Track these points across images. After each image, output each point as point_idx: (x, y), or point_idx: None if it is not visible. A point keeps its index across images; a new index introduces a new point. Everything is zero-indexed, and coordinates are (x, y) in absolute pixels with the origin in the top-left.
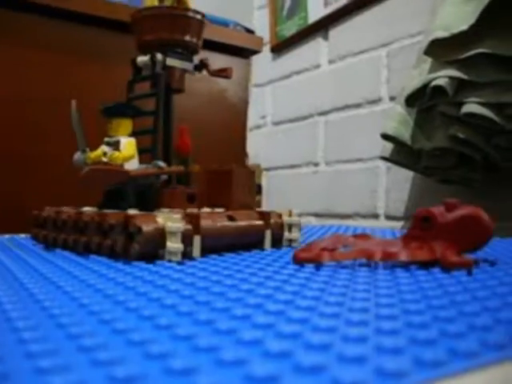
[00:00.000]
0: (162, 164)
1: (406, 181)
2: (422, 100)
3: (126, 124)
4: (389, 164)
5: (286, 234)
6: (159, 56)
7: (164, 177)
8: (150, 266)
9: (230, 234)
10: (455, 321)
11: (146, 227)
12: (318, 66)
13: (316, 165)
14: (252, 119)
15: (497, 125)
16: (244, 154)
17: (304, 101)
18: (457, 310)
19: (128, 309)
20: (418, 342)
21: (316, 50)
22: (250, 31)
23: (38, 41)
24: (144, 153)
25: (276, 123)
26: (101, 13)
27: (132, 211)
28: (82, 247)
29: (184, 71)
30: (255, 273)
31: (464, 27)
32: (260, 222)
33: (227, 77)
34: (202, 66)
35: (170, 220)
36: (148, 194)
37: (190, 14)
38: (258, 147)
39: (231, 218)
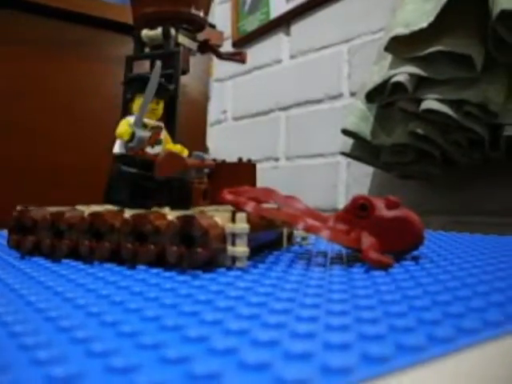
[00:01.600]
0: (204, 156)
1: (367, 176)
2: (382, 96)
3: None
4: (349, 159)
5: (296, 233)
6: (173, 31)
7: (206, 171)
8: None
9: (266, 233)
10: (406, 315)
11: (213, 230)
12: (279, 61)
13: (277, 160)
14: (213, 114)
15: (455, 121)
16: (205, 149)
17: (265, 96)
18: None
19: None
20: (367, 337)
21: (278, 45)
22: (211, 26)
23: (28, 38)
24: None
25: (237, 118)
26: (94, 12)
27: (165, 210)
28: (106, 255)
29: (189, 51)
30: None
31: (423, 25)
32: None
33: (242, 61)
34: (207, 47)
35: (232, 220)
36: (181, 191)
37: None
38: (219, 142)
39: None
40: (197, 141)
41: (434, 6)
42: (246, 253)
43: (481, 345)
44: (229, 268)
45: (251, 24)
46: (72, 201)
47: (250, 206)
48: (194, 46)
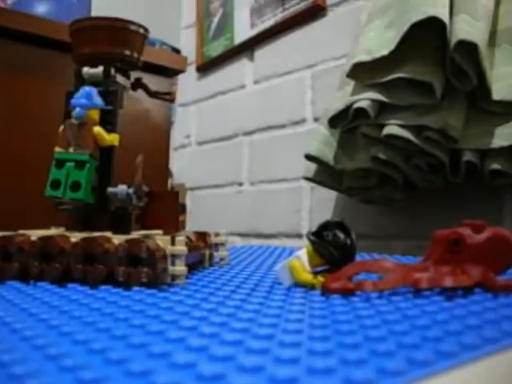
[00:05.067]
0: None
1: (330, 201)
2: (344, 121)
3: None
4: (312, 184)
5: (216, 254)
6: (113, 71)
7: (145, 199)
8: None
9: (190, 254)
10: (385, 340)
11: (158, 252)
12: (243, 87)
13: (240, 184)
14: (177, 138)
15: (416, 146)
16: (167, 174)
17: (229, 121)
18: (388, 329)
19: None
20: (349, 362)
21: (241, 70)
22: (176, 50)
23: None
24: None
25: (200, 143)
26: (40, 31)
27: (108, 234)
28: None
29: (123, 88)
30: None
31: (385, 52)
32: (201, 243)
33: (172, 100)
34: (139, 85)
35: (172, 243)
36: (122, 217)
37: (133, 27)
38: (183, 166)
39: (190, 240)
40: (159, 165)
41: (395, 34)
42: (185, 271)
43: (458, 367)
44: (169, 285)
45: (215, 49)
46: (20, 225)
47: (368, 286)
48: (127, 83)
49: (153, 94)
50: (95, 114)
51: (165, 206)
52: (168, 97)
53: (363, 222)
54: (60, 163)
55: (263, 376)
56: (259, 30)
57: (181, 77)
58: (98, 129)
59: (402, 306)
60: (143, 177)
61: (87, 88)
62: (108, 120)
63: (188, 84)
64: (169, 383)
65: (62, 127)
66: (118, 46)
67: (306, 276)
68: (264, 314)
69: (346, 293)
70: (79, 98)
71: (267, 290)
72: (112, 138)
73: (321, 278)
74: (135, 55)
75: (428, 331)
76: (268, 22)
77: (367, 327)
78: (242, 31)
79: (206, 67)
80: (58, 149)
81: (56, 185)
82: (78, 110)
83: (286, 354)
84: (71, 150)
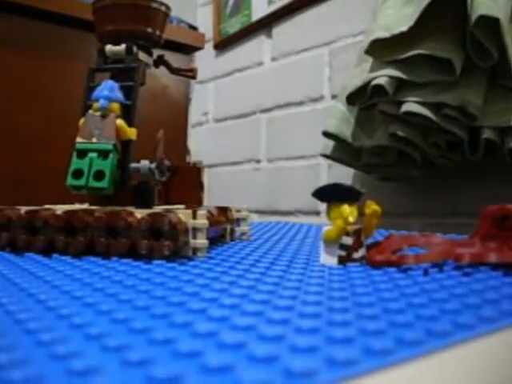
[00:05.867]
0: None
1: (347, 178)
2: (362, 98)
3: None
4: (330, 161)
5: (237, 229)
6: (135, 48)
7: (168, 174)
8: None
9: (212, 228)
10: (404, 312)
11: (180, 225)
12: (260, 64)
13: (258, 162)
14: (194, 116)
15: (434, 124)
16: (185, 151)
17: (246, 98)
18: (406, 302)
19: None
20: (368, 333)
21: (259, 47)
22: (193, 28)
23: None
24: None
25: (218, 120)
26: (55, 8)
27: (130, 208)
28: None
29: (146, 65)
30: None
31: (404, 28)
32: (223, 218)
33: (193, 77)
34: (161, 62)
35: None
36: (144, 192)
37: (154, 4)
38: (200, 144)
39: (212, 215)
40: (177, 142)
41: (414, 10)
42: (206, 244)
43: (476, 340)
44: (190, 258)
45: (233, 26)
46: (44, 201)
47: (410, 259)
48: (150, 60)
49: (175, 71)
50: (117, 108)
51: (187, 181)
52: (190, 73)
53: (380, 200)
54: (82, 153)
55: (284, 345)
56: (277, 6)
57: (198, 54)
58: (120, 121)
59: (421, 281)
60: (164, 152)
61: (110, 82)
62: (127, 114)
63: (205, 61)
64: (191, 351)
65: (82, 119)
66: (141, 23)
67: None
68: (284, 286)
69: (390, 265)
70: (102, 90)
71: (286, 264)
72: (131, 133)
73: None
74: (157, 33)
75: (446, 304)
76: None
77: (386, 300)
78: (260, 8)
79: (224, 44)
80: (79, 139)
81: (78, 174)
82: (101, 101)
83: (305, 325)
84: (94, 139)
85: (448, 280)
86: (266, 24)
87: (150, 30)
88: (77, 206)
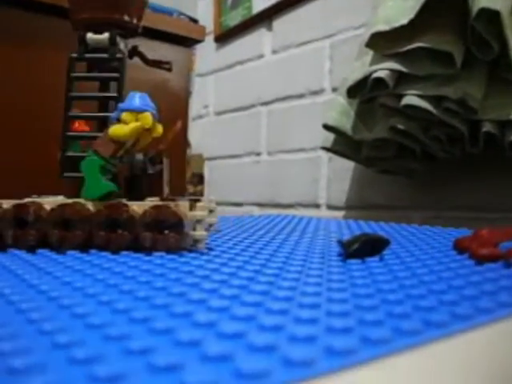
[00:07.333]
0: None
1: (347, 171)
2: (363, 91)
3: None
4: (330, 154)
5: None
6: (118, 38)
7: (160, 167)
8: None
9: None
10: (402, 303)
11: (185, 217)
12: (261, 57)
13: (258, 155)
14: (195, 109)
15: (435, 117)
16: (186, 144)
17: (247, 91)
18: (405, 293)
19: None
20: (366, 323)
21: (260, 40)
22: (193, 20)
23: None
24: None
25: (218, 113)
26: None
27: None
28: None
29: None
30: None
31: (404, 21)
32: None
33: (169, 69)
34: (136, 53)
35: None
36: (137, 184)
37: None
38: (201, 137)
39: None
40: (178, 135)
41: (414, 3)
42: (205, 236)
43: (474, 330)
44: (189, 250)
45: (233, 19)
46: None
47: None
48: (126, 51)
49: (150, 63)
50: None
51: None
52: (166, 66)
53: (380, 193)
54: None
55: (283, 335)
56: None
57: (198, 47)
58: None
59: (419, 272)
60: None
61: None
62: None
63: (206, 54)
64: (191, 340)
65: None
66: (117, 11)
67: None
68: (283, 277)
69: (495, 259)
70: (146, 102)
71: (286, 256)
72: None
73: None
74: (134, 21)
75: (444, 295)
76: None
77: (384, 291)
78: (261, 0)
79: (224, 37)
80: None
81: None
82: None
83: (305, 315)
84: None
85: (447, 272)
86: (266, 17)
87: (126, 18)
88: (60, 198)
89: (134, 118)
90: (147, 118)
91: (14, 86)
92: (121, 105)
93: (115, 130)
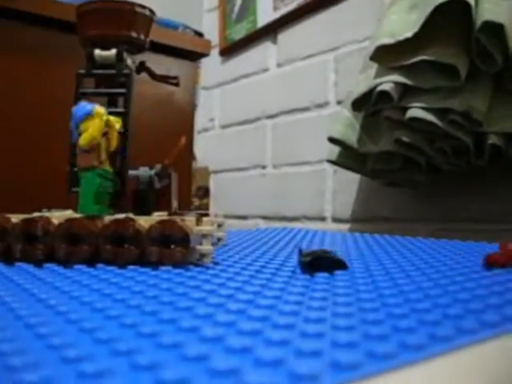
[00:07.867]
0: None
1: (353, 183)
2: (367, 104)
3: None
4: (335, 167)
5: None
6: (125, 54)
7: (167, 181)
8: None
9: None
10: (407, 317)
11: (191, 232)
12: (266, 70)
13: (264, 168)
14: (200, 122)
15: (440, 129)
16: (191, 157)
17: (252, 104)
18: (410, 307)
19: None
20: (372, 337)
21: (264, 53)
22: (199, 34)
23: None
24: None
25: (224, 126)
26: (43, 12)
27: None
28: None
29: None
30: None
31: (408, 34)
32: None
33: (177, 84)
34: (143, 68)
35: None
36: (144, 199)
37: (138, 9)
38: (206, 150)
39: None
40: (182, 150)
41: (418, 17)
42: (211, 250)
43: (479, 344)
44: (196, 264)
45: (238, 32)
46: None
47: None
48: (133, 66)
49: (157, 78)
50: None
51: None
52: (174, 81)
53: (386, 205)
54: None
55: (289, 349)
56: (282, 12)
57: (204, 60)
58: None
59: (425, 286)
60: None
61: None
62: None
63: (211, 67)
64: (198, 355)
65: None
66: (125, 28)
67: None
68: (289, 291)
69: None
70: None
71: (292, 270)
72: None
73: None
74: (141, 37)
75: (449, 309)
76: (291, 4)
77: (390, 305)
78: (265, 14)
79: (230, 50)
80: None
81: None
82: None
83: (310, 329)
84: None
85: (452, 286)
86: (271, 30)
87: (134, 34)
88: (68, 213)
89: (89, 123)
90: (98, 111)
91: (23, 100)
92: (71, 123)
93: (82, 139)
